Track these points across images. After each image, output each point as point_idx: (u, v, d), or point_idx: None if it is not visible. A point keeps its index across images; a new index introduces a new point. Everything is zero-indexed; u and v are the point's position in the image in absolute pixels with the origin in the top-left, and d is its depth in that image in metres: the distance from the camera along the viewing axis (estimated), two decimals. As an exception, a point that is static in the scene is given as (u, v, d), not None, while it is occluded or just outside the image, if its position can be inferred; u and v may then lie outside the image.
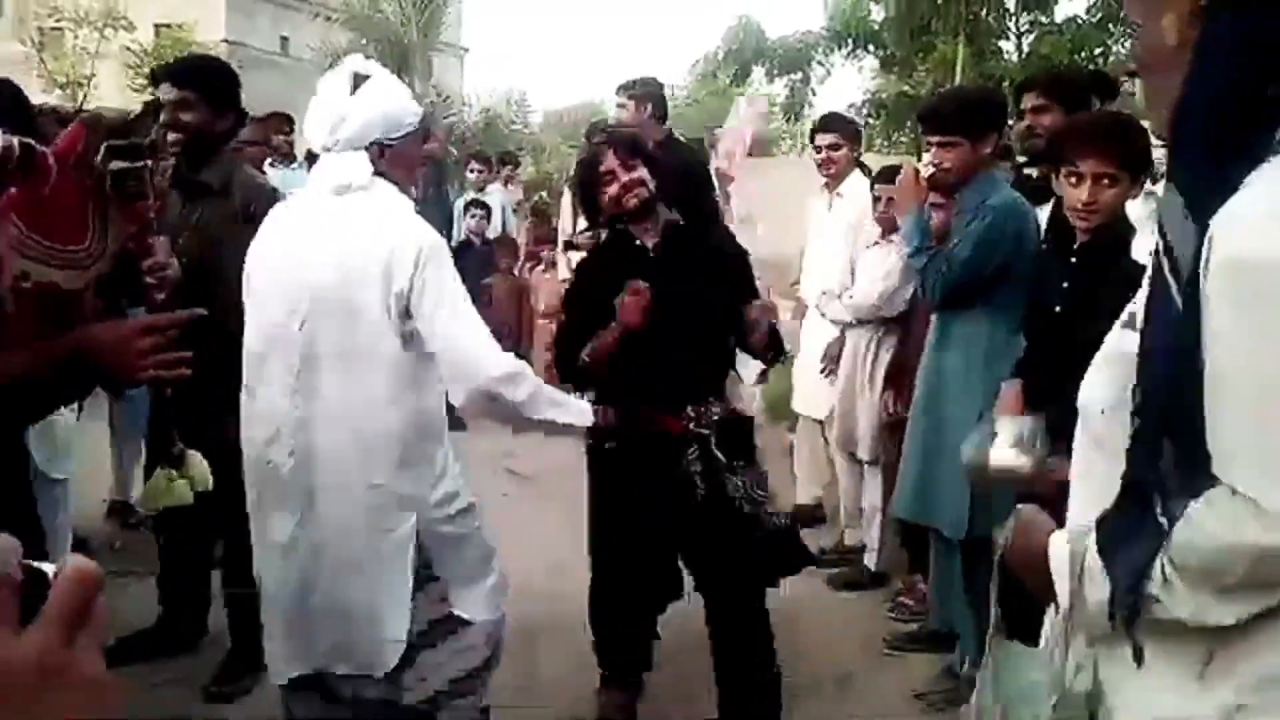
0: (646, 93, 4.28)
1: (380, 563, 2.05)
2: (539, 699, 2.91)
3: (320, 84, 2.13)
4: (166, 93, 2.71)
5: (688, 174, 3.52)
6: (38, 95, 3.17)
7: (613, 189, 2.51)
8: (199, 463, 1.79)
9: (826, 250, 4.17)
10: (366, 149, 2.04)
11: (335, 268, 2.00)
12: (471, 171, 7.07)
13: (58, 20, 17.60)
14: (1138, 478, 1.07)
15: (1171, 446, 1.04)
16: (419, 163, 2.46)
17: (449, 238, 6.36)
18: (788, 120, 16.37)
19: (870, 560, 3.73)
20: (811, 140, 4.41)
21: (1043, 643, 1.27)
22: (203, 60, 3.18)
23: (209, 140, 2.75)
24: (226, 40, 21.80)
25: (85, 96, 14.82)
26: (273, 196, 2.95)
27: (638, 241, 2.57)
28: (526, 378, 2.12)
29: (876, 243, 3.67)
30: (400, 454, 2.04)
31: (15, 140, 1.34)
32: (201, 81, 2.75)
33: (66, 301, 1.39)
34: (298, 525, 2.04)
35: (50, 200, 1.37)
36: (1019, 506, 1.27)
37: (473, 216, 6.21)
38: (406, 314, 2.00)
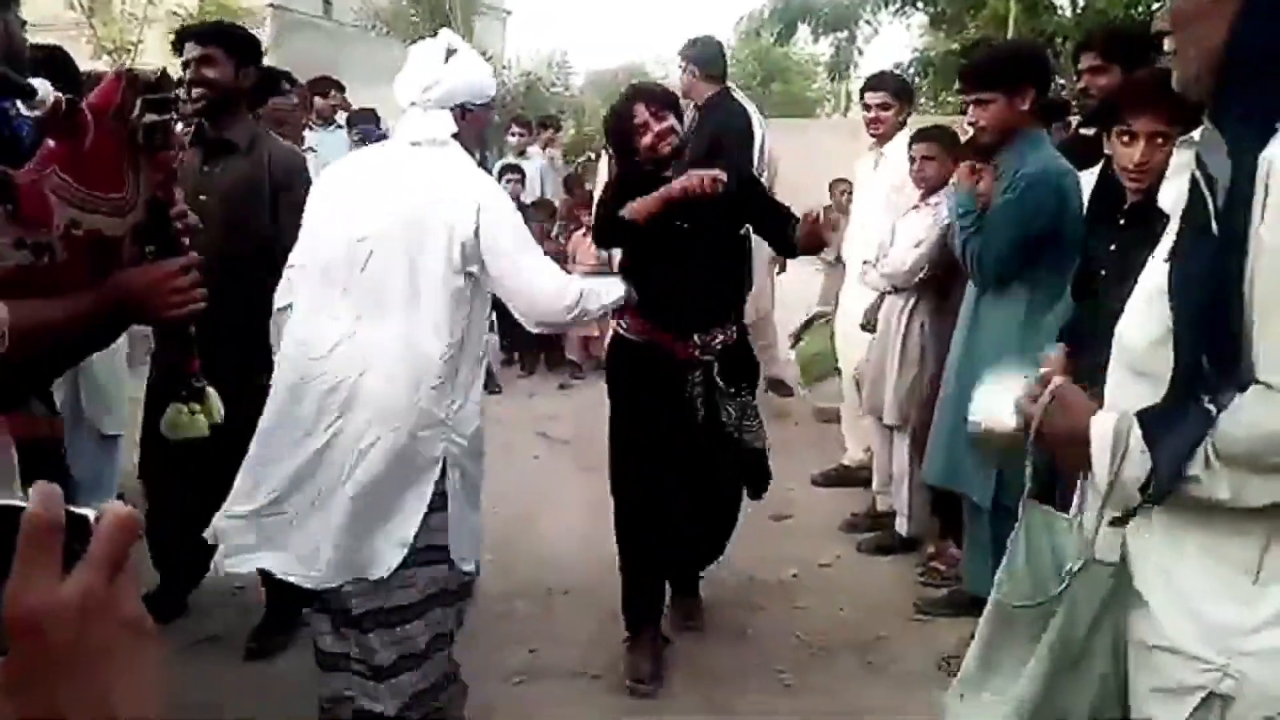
0: (695, 54, 4.38)
1: (411, 472, 2.25)
2: (568, 659, 2.93)
3: (414, 50, 2.42)
4: (191, 50, 2.78)
5: (726, 130, 4.03)
6: (87, 61, 3.20)
7: (647, 138, 2.71)
8: (214, 396, 1.86)
9: (870, 211, 4.11)
10: (451, 109, 2.31)
11: (404, 211, 2.24)
12: (512, 135, 7.03)
13: (106, -15, 17.79)
14: (1183, 378, 1.18)
15: (1209, 359, 1.15)
16: (486, 127, 2.66)
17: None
18: (832, 80, 16.10)
19: (901, 526, 3.70)
20: (861, 99, 4.33)
21: (1072, 511, 1.41)
22: (223, 23, 3.28)
23: (232, 96, 2.81)
24: (271, 4, 21.88)
25: (133, 61, 15.00)
26: (296, 161, 3.00)
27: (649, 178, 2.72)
28: (585, 294, 2.42)
29: (915, 207, 3.59)
30: (440, 381, 2.24)
31: (61, 96, 1.41)
32: (224, 39, 2.82)
33: (110, 248, 1.47)
34: (336, 434, 2.23)
35: (90, 152, 1.44)
36: (1059, 385, 1.35)
37: (508, 181, 6.20)
38: (465, 258, 2.23)
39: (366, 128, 6.14)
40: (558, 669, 2.88)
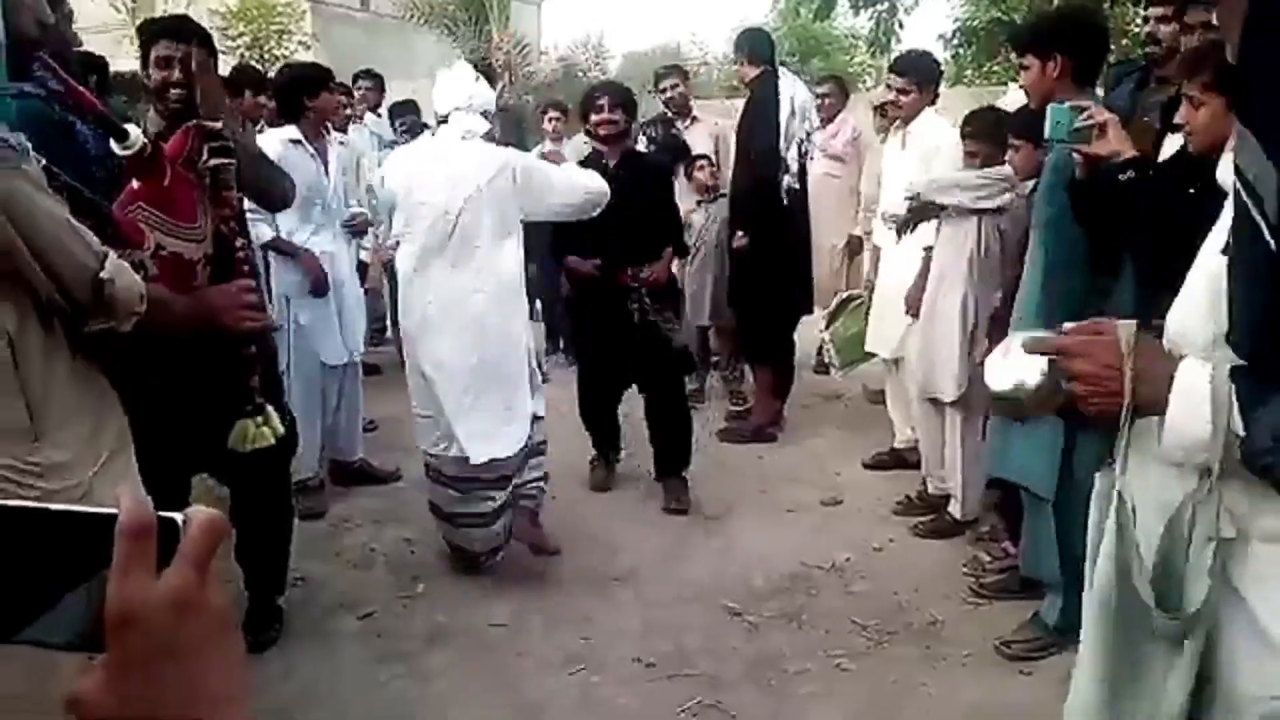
0: (740, 41, 4.86)
1: (518, 365, 3.23)
2: (624, 647, 2.95)
3: (450, 72, 3.32)
4: (166, 48, 2.62)
5: (752, 110, 4.67)
6: (130, 61, 3.25)
7: (595, 120, 3.89)
8: (274, 413, 2.15)
9: (899, 188, 4.07)
10: (483, 113, 3.24)
11: (471, 187, 3.11)
12: (550, 120, 7.00)
13: (148, -14, 18.07)
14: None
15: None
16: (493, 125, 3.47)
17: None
18: (872, 54, 15.84)
19: (955, 509, 3.65)
20: (888, 79, 4.29)
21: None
22: (186, 18, 3.03)
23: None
24: (309, -2, 22.06)
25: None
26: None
27: (604, 161, 3.89)
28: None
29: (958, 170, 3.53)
30: (518, 297, 3.27)
31: (148, 141, 1.71)
32: (197, 34, 2.62)
33: (189, 269, 1.77)
34: (466, 346, 3.12)
35: (170, 189, 1.74)
36: (1142, 339, 1.20)
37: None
38: (519, 206, 3.19)
39: (410, 119, 6.18)
40: (614, 657, 2.89)
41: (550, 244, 4.11)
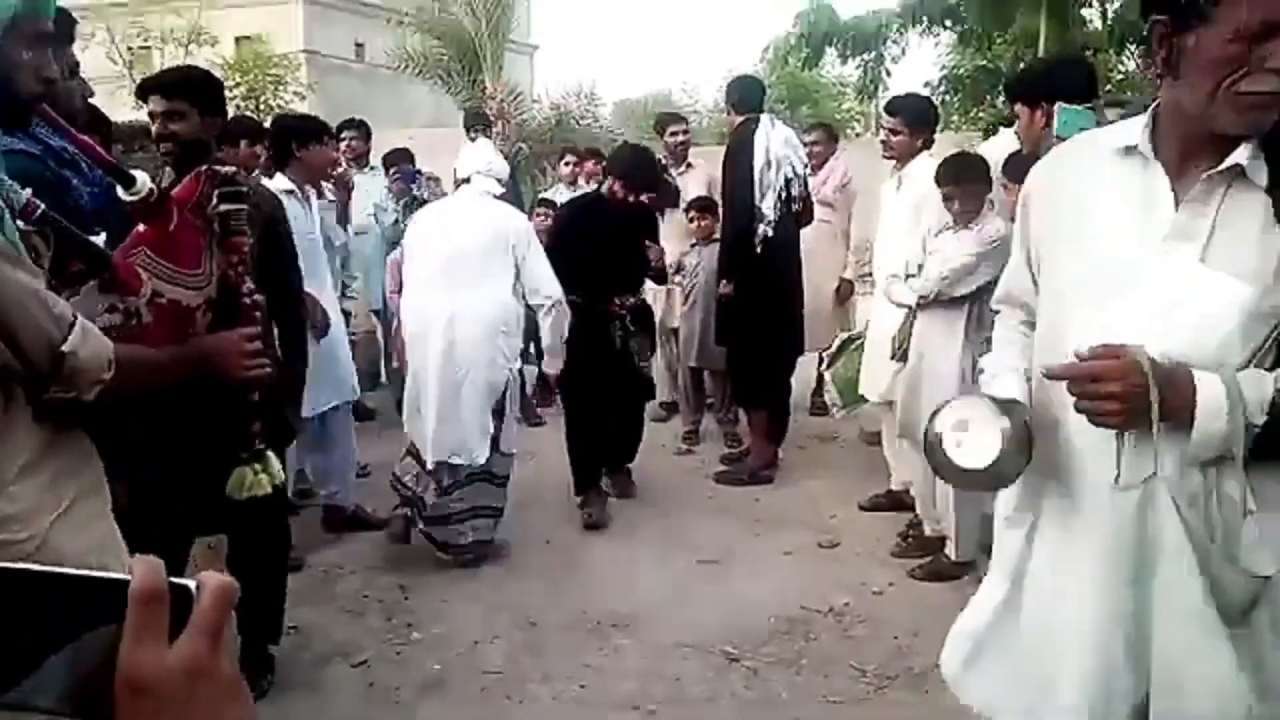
0: (728, 91, 5.03)
1: (493, 388, 3.72)
2: (622, 692, 2.91)
3: (473, 146, 4.17)
4: (156, 104, 2.70)
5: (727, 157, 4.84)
6: (129, 112, 3.29)
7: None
8: (274, 460, 2.11)
9: (894, 233, 4.12)
10: (499, 179, 3.92)
11: (480, 234, 3.76)
12: (565, 164, 7.00)
13: (146, 40, 18.29)
14: None
15: None
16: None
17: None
18: (860, 101, 16.10)
19: (951, 551, 3.63)
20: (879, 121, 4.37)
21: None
22: (188, 70, 3.10)
23: (200, 146, 2.71)
24: (305, 50, 22.39)
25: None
26: (274, 198, 3.03)
27: (600, 202, 4.47)
28: (561, 304, 3.88)
29: (948, 227, 3.56)
30: (503, 330, 3.74)
31: (154, 186, 1.71)
32: (188, 90, 2.72)
33: (187, 316, 1.75)
34: (448, 366, 3.66)
35: (174, 235, 1.75)
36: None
37: (539, 215, 6.21)
38: (514, 258, 3.77)
39: (404, 168, 6.23)
40: (612, 704, 2.85)
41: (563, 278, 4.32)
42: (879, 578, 3.69)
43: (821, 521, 4.26)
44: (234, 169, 1.93)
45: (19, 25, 1.32)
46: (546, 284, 3.83)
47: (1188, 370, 1.31)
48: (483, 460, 3.70)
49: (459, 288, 3.68)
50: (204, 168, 1.88)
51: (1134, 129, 1.42)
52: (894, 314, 3.85)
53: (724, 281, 4.69)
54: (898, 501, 4.28)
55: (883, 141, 4.17)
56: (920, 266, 3.61)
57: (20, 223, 1.47)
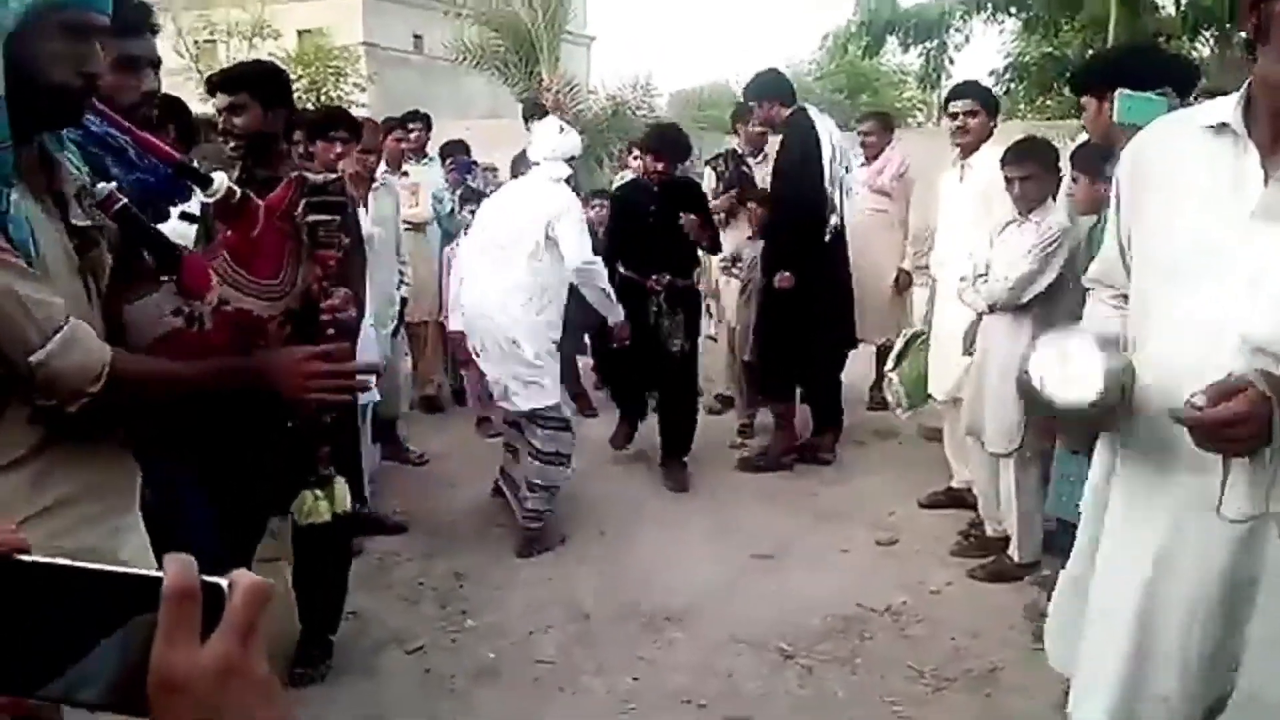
0: (755, 89, 4.90)
1: (526, 348, 3.92)
2: (674, 685, 2.90)
3: (539, 127, 4.25)
4: (220, 100, 2.77)
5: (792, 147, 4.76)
6: (196, 104, 3.34)
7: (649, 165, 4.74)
8: (341, 485, 2.01)
9: (958, 225, 4.02)
10: (566, 160, 4.07)
11: (522, 216, 3.99)
12: (634, 159, 6.97)
13: (211, 33, 18.68)
14: None
15: None
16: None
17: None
18: (922, 89, 15.82)
19: (1014, 551, 3.54)
20: (945, 109, 4.25)
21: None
22: (253, 65, 3.21)
23: (266, 139, 2.78)
24: (365, 43, 22.67)
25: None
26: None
27: (652, 186, 4.73)
28: (599, 269, 4.12)
29: (1014, 223, 3.46)
30: (535, 302, 3.95)
31: (234, 187, 1.63)
32: (251, 84, 2.79)
33: (255, 327, 1.61)
34: (493, 327, 3.95)
35: (256, 241, 1.64)
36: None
37: (593, 207, 6.19)
38: (546, 233, 3.94)
39: (460, 159, 6.27)
40: (664, 697, 2.84)
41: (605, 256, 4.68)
42: (938, 577, 3.62)
43: (880, 518, 4.19)
44: (326, 177, 1.77)
45: (52, 16, 1.29)
46: (570, 253, 3.96)
47: None
48: (526, 407, 3.93)
49: (499, 268, 3.94)
50: (294, 174, 1.75)
51: (1227, 106, 1.39)
52: (961, 311, 3.76)
53: (783, 274, 4.62)
54: (958, 499, 4.20)
55: (958, 127, 4.04)
56: (988, 265, 3.52)
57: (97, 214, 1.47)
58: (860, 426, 5.40)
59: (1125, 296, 1.61)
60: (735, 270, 5.27)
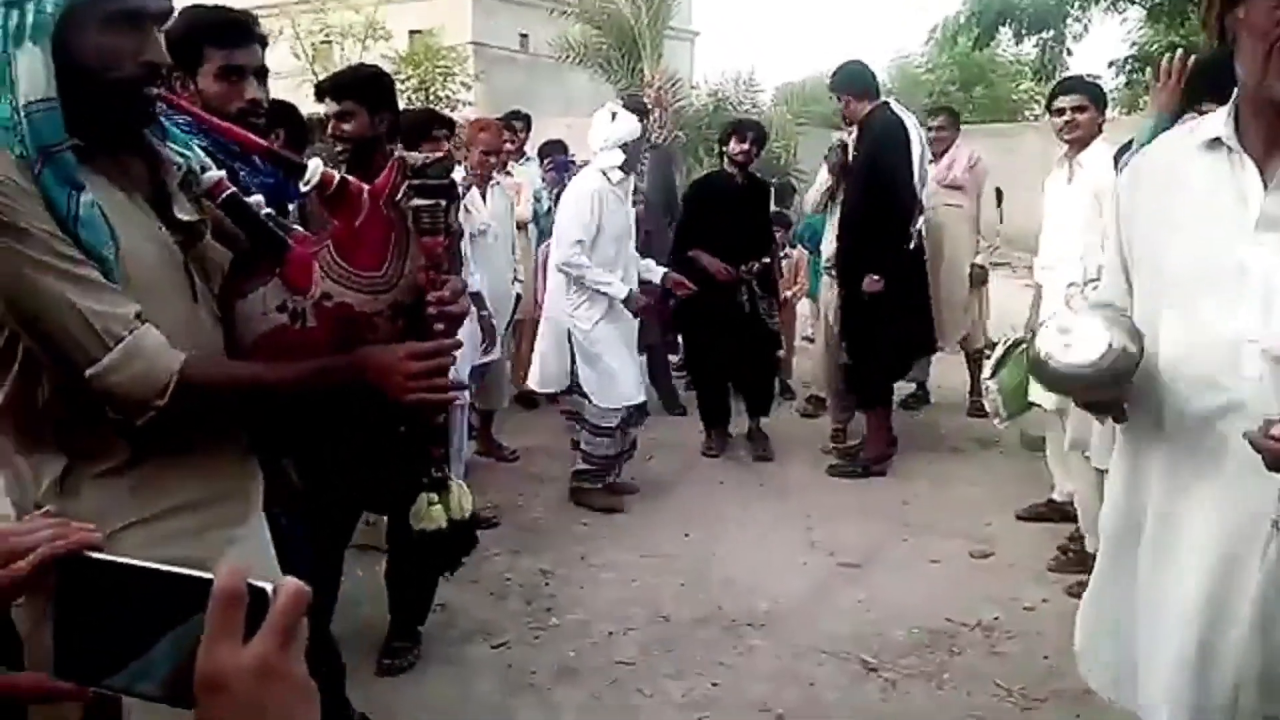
0: (838, 81, 4.81)
1: (558, 334, 4.32)
2: (752, 694, 2.88)
3: (597, 115, 4.32)
4: (328, 106, 2.88)
5: (881, 142, 4.62)
6: (312, 104, 3.48)
7: (737, 147, 5.00)
8: (458, 490, 1.91)
9: (1066, 227, 3.86)
10: (619, 146, 4.19)
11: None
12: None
13: (327, 35, 19.36)
14: None
15: None
16: (640, 150, 4.60)
17: (672, 224, 6.40)
18: (1038, 81, 15.23)
19: (1117, 568, 3.39)
20: (1048, 106, 4.09)
21: None
22: (357, 70, 3.30)
23: (371, 143, 2.85)
24: (473, 42, 23.14)
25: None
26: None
27: (736, 177, 5.08)
28: (588, 268, 4.20)
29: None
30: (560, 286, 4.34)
31: (332, 172, 1.52)
32: (355, 90, 2.88)
33: (359, 322, 1.49)
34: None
35: (359, 230, 1.51)
36: None
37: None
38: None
39: (557, 158, 6.36)
40: (743, 704, 2.82)
41: (673, 248, 5.18)
42: (1033, 593, 3.49)
43: (975, 529, 4.07)
44: (428, 157, 1.61)
45: (100, 7, 1.23)
46: (566, 232, 4.23)
47: None
48: (553, 388, 4.43)
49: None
50: (396, 155, 1.62)
51: (1219, 121, 1.40)
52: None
53: (871, 277, 4.52)
54: (1059, 512, 4.04)
55: (1067, 122, 3.88)
56: (1100, 268, 3.36)
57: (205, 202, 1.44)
58: (959, 433, 5.26)
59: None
60: (835, 273, 5.20)
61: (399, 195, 1.53)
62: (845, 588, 3.58)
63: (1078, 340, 1.44)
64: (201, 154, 1.50)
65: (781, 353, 6.13)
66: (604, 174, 4.20)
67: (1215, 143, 1.40)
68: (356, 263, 1.50)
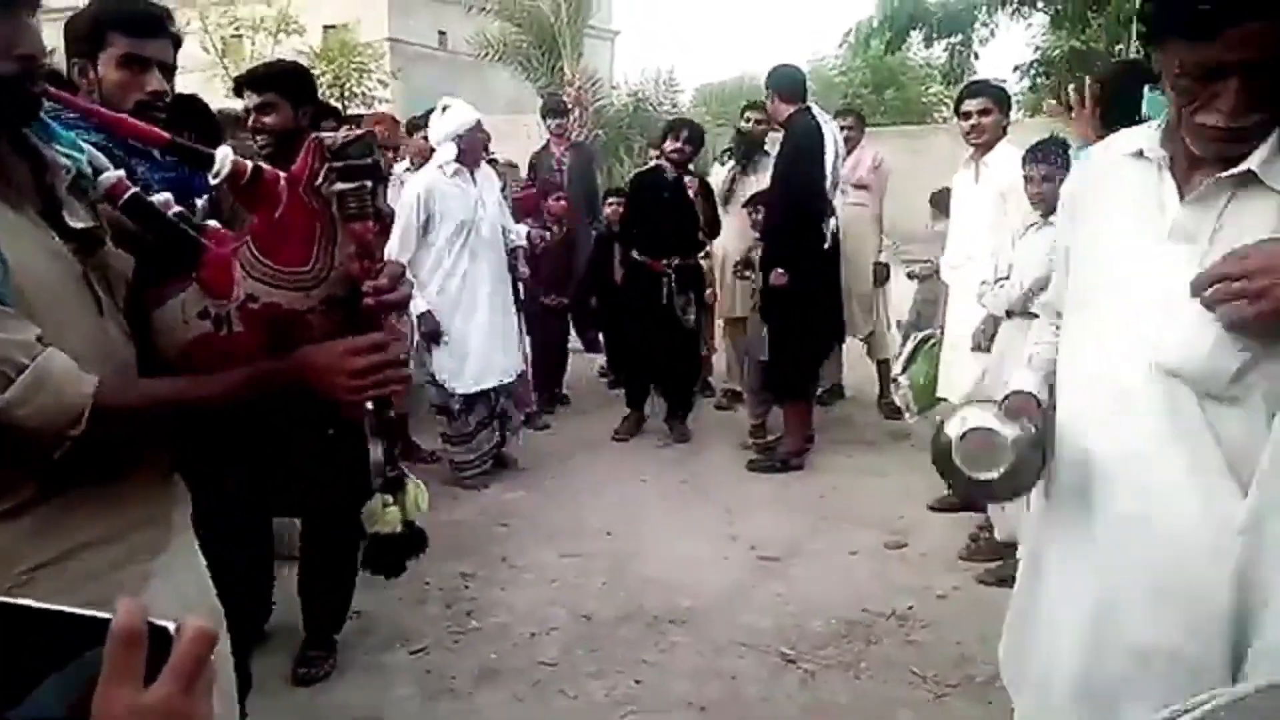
0: (773, 81, 4.86)
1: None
2: (676, 690, 2.90)
3: (434, 114, 4.49)
4: (248, 99, 2.84)
5: (798, 145, 4.73)
6: (222, 100, 3.38)
7: (672, 145, 5.17)
8: (414, 488, 1.78)
9: (973, 227, 3.99)
10: (454, 139, 4.39)
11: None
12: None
13: (237, 29, 18.82)
14: None
15: None
16: (482, 145, 4.78)
17: (595, 224, 6.41)
18: (947, 85, 15.66)
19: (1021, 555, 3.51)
20: (956, 110, 4.22)
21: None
22: (278, 64, 3.27)
23: (294, 136, 2.78)
24: (390, 39, 22.77)
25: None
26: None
27: (668, 174, 5.19)
28: (410, 279, 4.13)
29: (1033, 225, 3.42)
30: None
31: (244, 162, 1.38)
32: (278, 83, 2.86)
33: (291, 322, 1.38)
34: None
35: (280, 223, 1.39)
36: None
37: (609, 204, 6.18)
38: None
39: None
40: (664, 701, 2.84)
41: (618, 238, 5.52)
42: (944, 581, 3.60)
43: (889, 521, 4.17)
44: (348, 136, 1.47)
45: None
46: (396, 232, 4.34)
47: None
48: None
49: None
50: (312, 137, 1.48)
51: (1147, 133, 1.44)
52: (974, 312, 3.73)
53: (778, 271, 4.62)
54: (969, 503, 4.16)
55: (973, 125, 4.01)
56: (1010, 266, 3.48)
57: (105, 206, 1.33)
58: (872, 427, 5.38)
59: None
60: (748, 275, 5.27)
61: (320, 180, 1.40)
62: (765, 581, 3.63)
63: (982, 450, 1.47)
64: (95, 152, 1.39)
65: (705, 351, 6.21)
66: (440, 168, 4.41)
67: (1140, 154, 1.44)
68: (281, 258, 1.39)
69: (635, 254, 5.22)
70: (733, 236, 5.55)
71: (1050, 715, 1.61)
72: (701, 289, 5.48)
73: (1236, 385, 1.29)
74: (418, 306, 4.31)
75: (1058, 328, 1.67)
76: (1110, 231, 1.46)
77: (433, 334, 4.43)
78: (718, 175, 5.92)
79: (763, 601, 3.46)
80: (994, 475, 1.47)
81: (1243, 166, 1.28)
